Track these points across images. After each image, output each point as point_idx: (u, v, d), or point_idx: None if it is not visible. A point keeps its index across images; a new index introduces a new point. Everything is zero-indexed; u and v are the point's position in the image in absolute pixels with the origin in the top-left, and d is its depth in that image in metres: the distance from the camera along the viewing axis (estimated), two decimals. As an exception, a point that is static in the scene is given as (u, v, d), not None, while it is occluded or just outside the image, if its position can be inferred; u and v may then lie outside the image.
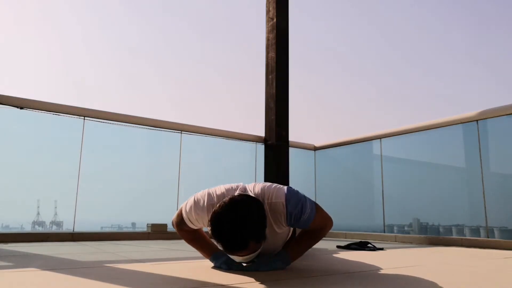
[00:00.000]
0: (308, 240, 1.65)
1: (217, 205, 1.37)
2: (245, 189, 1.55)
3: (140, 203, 3.75)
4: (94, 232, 3.21)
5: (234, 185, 1.59)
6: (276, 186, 1.56)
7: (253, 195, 1.48)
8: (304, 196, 1.56)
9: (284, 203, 1.49)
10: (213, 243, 1.70)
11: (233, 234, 1.30)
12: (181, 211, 1.64)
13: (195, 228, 1.66)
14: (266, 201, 1.50)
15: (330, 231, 1.69)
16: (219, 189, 1.57)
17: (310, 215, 1.53)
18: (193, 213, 1.56)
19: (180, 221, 1.65)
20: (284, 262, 1.58)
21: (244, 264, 1.53)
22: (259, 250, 1.42)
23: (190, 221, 1.60)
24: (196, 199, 1.58)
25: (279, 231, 1.56)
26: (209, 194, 1.56)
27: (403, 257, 2.20)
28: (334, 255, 2.31)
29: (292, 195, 1.52)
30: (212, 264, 1.65)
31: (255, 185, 1.57)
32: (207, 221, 1.47)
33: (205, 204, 1.53)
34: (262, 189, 1.53)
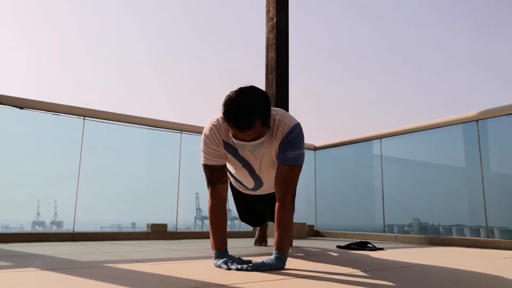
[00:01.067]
0: (285, 227, 1.67)
1: (229, 93, 1.53)
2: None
3: (140, 203, 3.75)
4: (94, 232, 3.21)
5: None
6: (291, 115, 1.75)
7: None
8: (304, 151, 1.72)
9: (291, 127, 1.66)
10: (225, 240, 1.72)
11: (242, 111, 1.46)
12: (203, 167, 1.75)
13: (220, 162, 1.74)
14: (276, 117, 1.67)
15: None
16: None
17: (298, 160, 1.69)
18: (208, 138, 1.69)
19: (208, 174, 1.74)
20: (282, 260, 1.58)
21: (244, 265, 1.53)
22: (264, 138, 1.57)
23: (210, 155, 1.71)
24: (203, 132, 1.73)
25: (270, 149, 1.72)
26: (211, 121, 1.72)
27: (403, 257, 2.21)
28: (334, 255, 2.31)
29: (300, 132, 1.69)
30: (212, 264, 1.65)
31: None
32: (220, 136, 1.68)
33: (210, 124, 1.70)
34: (276, 109, 1.73)
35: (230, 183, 2.39)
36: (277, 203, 1.70)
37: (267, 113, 1.53)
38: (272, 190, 2.18)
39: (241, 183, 2.20)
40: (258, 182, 2.06)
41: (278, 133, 1.68)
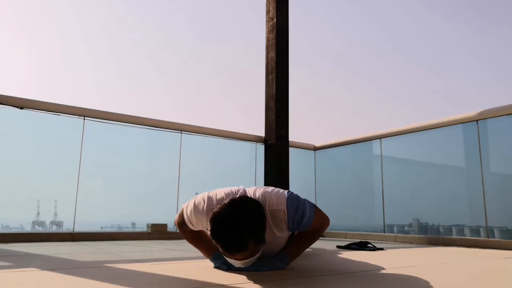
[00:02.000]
0: (306, 240, 1.68)
1: (217, 206, 1.36)
2: (245, 193, 1.56)
3: (140, 203, 3.75)
4: (94, 232, 3.21)
5: (234, 188, 1.59)
6: (276, 191, 1.56)
7: None
8: (304, 200, 1.58)
9: (286, 210, 1.50)
10: (214, 243, 1.70)
11: (232, 234, 1.28)
12: (182, 212, 1.65)
13: (196, 230, 1.67)
14: (267, 208, 1.49)
15: (330, 231, 1.73)
16: (219, 192, 1.57)
17: (310, 219, 1.55)
18: (193, 217, 1.57)
19: (181, 221, 1.66)
20: (284, 263, 1.58)
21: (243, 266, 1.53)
22: (258, 254, 1.42)
23: (191, 223, 1.61)
24: (196, 202, 1.58)
25: (279, 235, 1.57)
26: (209, 198, 1.55)
27: (403, 257, 2.20)
28: (334, 255, 2.31)
29: (293, 201, 1.53)
30: (212, 264, 1.65)
31: (256, 189, 1.57)
32: (207, 224, 1.46)
33: (205, 208, 1.53)
34: (263, 195, 1.53)
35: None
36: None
37: (261, 232, 1.36)
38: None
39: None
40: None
41: (279, 224, 1.52)
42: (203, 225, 1.56)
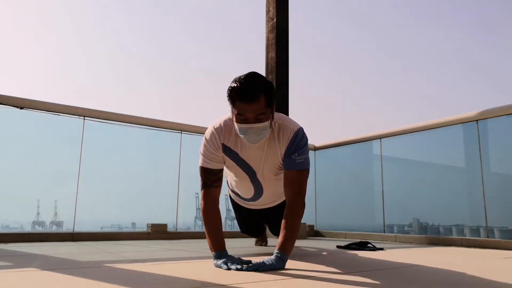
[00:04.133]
0: (292, 228, 1.66)
1: None
2: None
3: (140, 203, 3.75)
4: (94, 232, 3.21)
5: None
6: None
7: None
8: (308, 150, 1.73)
9: (295, 131, 1.68)
10: (223, 240, 1.71)
11: (247, 85, 1.50)
12: (200, 169, 1.76)
13: (218, 167, 1.75)
14: (277, 121, 1.68)
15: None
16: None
17: (306, 164, 1.69)
18: (208, 142, 1.70)
19: (203, 176, 1.74)
20: (283, 260, 1.58)
21: (244, 265, 1.53)
22: (266, 122, 1.56)
23: (208, 158, 1.72)
24: (204, 136, 1.74)
25: (274, 151, 1.71)
26: (212, 124, 1.75)
27: (403, 257, 2.21)
28: (334, 255, 2.31)
29: (304, 136, 1.70)
30: (212, 264, 1.65)
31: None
32: (220, 142, 1.70)
33: (211, 128, 1.71)
34: (278, 114, 1.73)
35: (230, 196, 2.37)
36: (286, 206, 1.69)
37: (271, 94, 1.57)
38: (271, 203, 2.16)
39: (239, 195, 2.18)
40: (258, 190, 2.02)
41: (282, 136, 1.68)
42: (219, 143, 1.70)
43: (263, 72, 4.09)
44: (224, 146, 1.73)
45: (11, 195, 3.17)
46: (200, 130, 3.94)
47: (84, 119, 3.34)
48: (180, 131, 3.82)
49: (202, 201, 1.76)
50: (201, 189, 1.78)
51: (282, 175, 1.82)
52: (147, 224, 3.50)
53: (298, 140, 1.67)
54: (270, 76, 3.98)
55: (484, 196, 3.11)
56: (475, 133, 3.24)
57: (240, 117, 1.55)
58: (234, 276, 1.40)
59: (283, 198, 2.05)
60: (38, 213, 3.31)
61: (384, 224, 3.88)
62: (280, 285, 1.25)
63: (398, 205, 3.96)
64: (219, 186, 1.78)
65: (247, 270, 1.50)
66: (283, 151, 1.71)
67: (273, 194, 2.03)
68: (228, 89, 1.55)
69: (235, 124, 1.59)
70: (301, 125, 1.74)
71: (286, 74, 4.00)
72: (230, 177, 2.02)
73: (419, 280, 1.39)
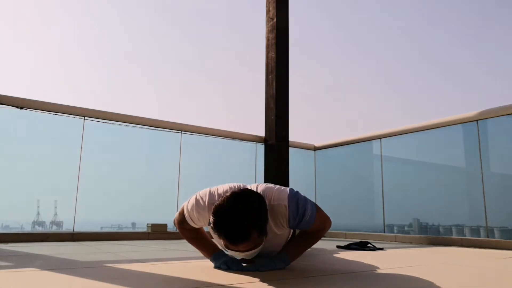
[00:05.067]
0: (307, 241, 1.66)
1: (219, 199, 1.37)
2: (247, 188, 1.55)
3: (140, 203, 3.75)
4: (94, 232, 3.21)
5: (236, 184, 1.58)
6: (278, 187, 1.56)
7: None
8: (305, 198, 1.56)
9: (287, 205, 1.49)
10: (214, 243, 1.71)
11: (235, 224, 1.29)
12: (182, 209, 1.64)
13: (197, 227, 1.66)
14: (268, 203, 1.48)
15: (330, 231, 1.72)
16: (221, 188, 1.56)
17: (311, 217, 1.53)
18: (194, 212, 1.56)
19: (181, 220, 1.64)
20: (284, 262, 1.58)
21: (244, 264, 1.53)
22: (260, 246, 1.42)
23: (192, 220, 1.59)
24: (197, 197, 1.57)
25: (279, 233, 1.56)
26: (210, 193, 1.55)
27: (403, 257, 2.20)
28: (334, 255, 2.31)
29: (294, 197, 1.52)
30: (212, 264, 1.65)
31: (257, 185, 1.57)
32: (208, 220, 1.50)
33: (207, 202, 1.52)
34: (264, 191, 1.53)
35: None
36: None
37: (264, 223, 1.38)
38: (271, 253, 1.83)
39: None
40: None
41: (279, 219, 1.51)
42: (205, 221, 1.55)
43: (263, 72, 4.09)
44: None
45: (11, 195, 3.17)
46: (200, 130, 3.94)
47: (84, 119, 3.34)
48: (180, 131, 3.82)
49: (177, 226, 1.70)
50: (177, 219, 1.68)
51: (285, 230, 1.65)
52: (147, 224, 3.50)
53: (297, 212, 1.50)
54: (270, 76, 3.98)
55: (484, 196, 3.11)
56: (475, 133, 3.24)
57: (228, 248, 1.40)
58: (234, 276, 1.40)
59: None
60: (38, 213, 3.31)
61: (384, 224, 3.88)
62: (280, 285, 1.25)
63: (398, 205, 3.96)
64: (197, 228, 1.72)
65: (247, 270, 1.50)
66: (285, 228, 1.56)
67: (275, 247, 1.75)
68: (212, 220, 1.34)
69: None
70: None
71: (286, 74, 4.00)
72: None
73: (420, 280, 1.39)
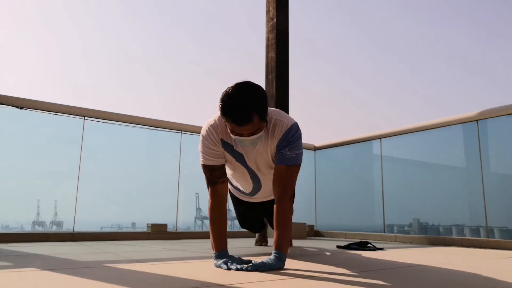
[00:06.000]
0: (284, 223, 1.67)
1: (224, 90, 1.53)
2: None
3: (140, 203, 3.75)
4: (94, 232, 3.21)
5: None
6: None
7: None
8: (302, 146, 1.74)
9: (289, 126, 1.68)
10: (225, 240, 1.71)
11: (239, 107, 1.47)
12: (202, 167, 1.76)
13: (219, 162, 1.74)
14: (273, 117, 1.68)
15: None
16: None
17: (296, 160, 1.71)
18: (206, 138, 1.70)
19: (207, 174, 1.74)
20: (281, 260, 1.58)
21: (244, 265, 1.53)
22: (261, 132, 1.57)
23: (208, 155, 1.72)
24: (201, 133, 1.75)
25: (267, 147, 1.72)
26: (207, 121, 1.74)
27: (403, 257, 2.21)
28: (334, 255, 2.31)
29: (298, 129, 1.71)
30: (212, 264, 1.65)
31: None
32: (218, 136, 1.70)
33: (207, 124, 1.71)
34: (274, 109, 1.74)
35: (229, 190, 2.37)
36: (275, 204, 1.70)
37: (264, 108, 1.54)
38: (271, 196, 2.17)
39: (239, 189, 2.19)
40: (256, 185, 2.04)
41: (275, 132, 1.68)
42: (217, 138, 1.70)
43: (263, 72, 4.09)
44: (222, 141, 1.73)
45: (11, 195, 3.17)
46: (200, 130, 3.93)
47: (84, 119, 3.34)
48: (180, 131, 3.82)
49: (210, 199, 1.76)
50: (208, 187, 1.77)
51: None
52: (147, 224, 3.50)
53: (291, 135, 1.67)
54: (270, 76, 3.98)
55: (484, 196, 3.11)
56: (475, 133, 3.24)
57: (234, 132, 1.56)
58: (234, 276, 1.40)
59: None
60: (38, 213, 3.31)
61: (384, 224, 3.88)
62: (280, 285, 1.25)
63: (398, 205, 3.96)
64: (225, 181, 1.78)
65: (247, 270, 1.50)
66: (274, 145, 1.72)
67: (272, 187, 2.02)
68: (219, 106, 1.52)
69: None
70: (301, 125, 1.74)
71: (286, 74, 4.00)
72: (228, 172, 2.01)
73: (420, 281, 1.39)
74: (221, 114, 1.52)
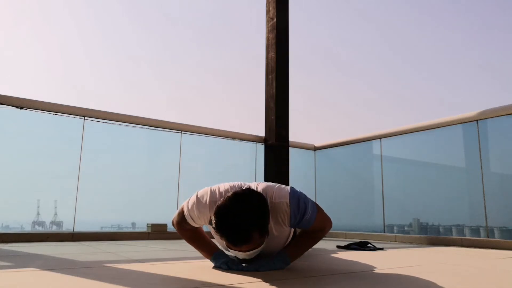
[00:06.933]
0: (308, 241, 1.66)
1: (221, 199, 1.37)
2: (248, 187, 1.54)
3: (140, 203, 3.74)
4: (94, 232, 3.21)
5: (236, 183, 1.58)
6: (278, 186, 1.56)
7: None
8: (306, 196, 1.56)
9: (288, 202, 1.49)
10: (213, 243, 1.70)
11: (237, 227, 1.31)
12: (182, 209, 1.63)
13: (196, 226, 1.65)
14: (269, 201, 1.48)
15: (330, 231, 1.71)
16: (223, 186, 1.56)
17: (312, 216, 1.53)
18: (195, 210, 1.55)
19: (181, 220, 1.64)
20: (284, 262, 1.58)
21: (244, 264, 1.53)
22: (261, 246, 1.43)
23: (192, 218, 1.58)
24: (198, 196, 1.57)
25: (279, 230, 1.55)
26: (211, 191, 1.55)
27: (403, 257, 2.20)
28: (334, 255, 2.31)
29: (296, 195, 1.53)
30: (212, 264, 1.65)
31: (258, 184, 1.57)
32: (209, 218, 1.50)
33: (208, 201, 1.52)
34: (265, 189, 1.53)
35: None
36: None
37: (266, 223, 1.39)
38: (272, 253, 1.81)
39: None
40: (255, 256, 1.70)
41: (280, 217, 1.51)
42: (205, 219, 1.55)
43: (263, 72, 4.09)
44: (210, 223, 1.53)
45: (11, 195, 3.17)
46: (200, 130, 3.94)
47: (84, 119, 3.34)
48: (180, 131, 3.82)
49: (175, 227, 1.70)
50: (176, 220, 1.68)
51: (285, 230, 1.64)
52: (147, 224, 3.50)
53: (297, 208, 1.50)
54: (270, 76, 3.98)
55: (484, 196, 3.11)
56: (475, 133, 3.24)
57: (230, 248, 1.42)
58: (234, 276, 1.40)
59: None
60: (38, 213, 3.31)
61: (384, 224, 3.88)
62: (280, 285, 1.25)
63: (398, 205, 3.96)
64: (198, 227, 1.71)
65: (247, 270, 1.50)
66: (286, 227, 1.55)
67: (275, 246, 1.72)
68: (213, 221, 1.35)
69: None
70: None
71: (286, 74, 4.00)
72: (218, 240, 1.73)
73: (420, 280, 1.39)
74: (215, 230, 1.35)
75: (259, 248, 1.43)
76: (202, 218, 1.55)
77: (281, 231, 1.55)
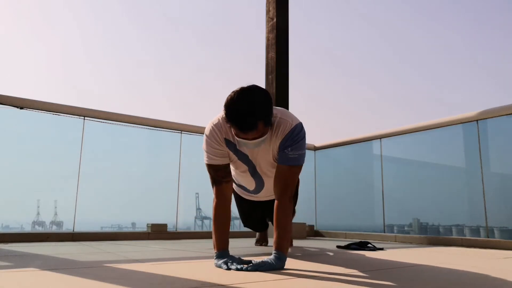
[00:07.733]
0: (284, 224, 1.67)
1: (229, 94, 1.52)
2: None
3: (140, 203, 3.75)
4: (94, 232, 3.21)
5: None
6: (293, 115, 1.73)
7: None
8: (305, 149, 1.71)
9: (293, 126, 1.65)
10: (227, 240, 1.72)
11: (244, 115, 1.45)
12: (207, 168, 1.76)
13: (223, 162, 1.73)
14: (277, 115, 1.65)
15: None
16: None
17: (299, 160, 1.67)
18: (210, 138, 1.68)
19: (212, 179, 1.76)
20: (281, 260, 1.58)
21: (244, 265, 1.53)
22: (265, 136, 1.58)
23: (213, 154, 1.70)
24: (204, 132, 1.73)
25: (271, 147, 1.70)
26: (211, 120, 1.72)
27: (403, 257, 2.21)
28: (334, 255, 2.31)
29: (302, 131, 1.67)
30: (212, 264, 1.65)
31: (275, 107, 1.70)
32: (222, 135, 1.68)
33: (211, 124, 1.69)
34: (279, 108, 1.71)
35: (233, 189, 2.37)
36: (275, 203, 1.70)
37: (269, 113, 1.53)
38: (273, 196, 2.17)
39: (242, 187, 2.20)
40: (259, 183, 2.04)
41: (279, 131, 1.66)
42: (220, 139, 1.68)
43: (263, 72, 4.09)
44: (226, 140, 1.72)
45: (11, 195, 3.17)
46: (200, 130, 3.93)
47: (84, 119, 3.34)
48: (180, 131, 3.82)
49: (215, 198, 1.76)
50: (212, 186, 1.77)
51: None
52: (147, 224, 3.50)
53: (295, 135, 1.65)
54: (270, 76, 3.98)
55: (484, 196, 3.11)
56: (475, 133, 3.24)
57: (238, 136, 1.57)
58: (234, 276, 1.40)
59: None
60: (38, 213, 3.31)
61: (384, 224, 3.88)
62: (280, 285, 1.25)
63: (398, 205, 3.96)
64: (229, 181, 1.78)
65: (247, 270, 1.50)
66: (277, 145, 1.70)
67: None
68: (223, 111, 1.51)
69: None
70: (303, 125, 1.73)
71: (286, 74, 4.00)
72: (232, 170, 2.01)
73: (421, 280, 1.39)
74: (225, 119, 1.51)
75: (263, 138, 1.57)
76: (219, 139, 1.68)
77: (268, 146, 1.69)
